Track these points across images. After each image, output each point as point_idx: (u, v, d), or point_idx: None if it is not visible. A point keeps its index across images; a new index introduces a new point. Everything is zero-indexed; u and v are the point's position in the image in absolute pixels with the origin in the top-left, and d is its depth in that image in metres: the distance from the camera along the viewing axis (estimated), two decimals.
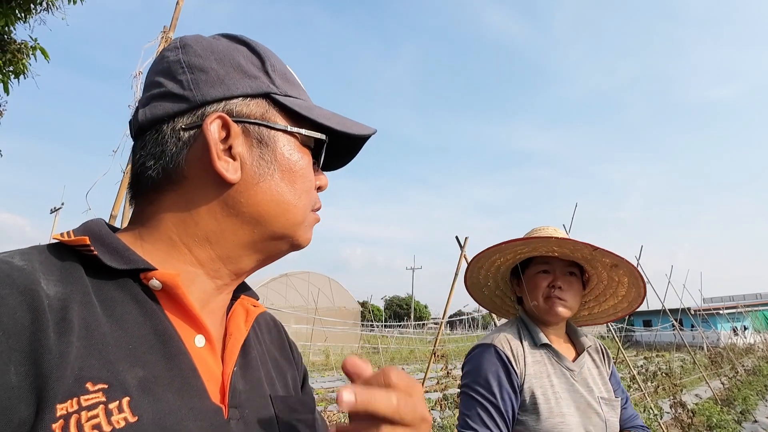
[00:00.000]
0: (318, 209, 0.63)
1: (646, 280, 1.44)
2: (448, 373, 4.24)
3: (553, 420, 1.22)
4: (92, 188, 1.83)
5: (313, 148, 0.61)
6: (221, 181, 0.54)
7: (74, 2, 5.85)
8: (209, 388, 0.50)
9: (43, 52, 5.82)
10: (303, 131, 0.59)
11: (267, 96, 0.58)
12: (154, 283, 0.50)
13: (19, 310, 0.40)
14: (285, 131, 0.57)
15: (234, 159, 0.55)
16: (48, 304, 0.42)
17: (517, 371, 1.27)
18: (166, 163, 0.54)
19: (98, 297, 0.47)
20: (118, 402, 0.41)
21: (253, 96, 0.57)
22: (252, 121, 0.56)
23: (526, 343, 1.33)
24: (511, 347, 1.30)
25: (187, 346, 0.50)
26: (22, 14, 5.56)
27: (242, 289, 0.65)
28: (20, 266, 0.44)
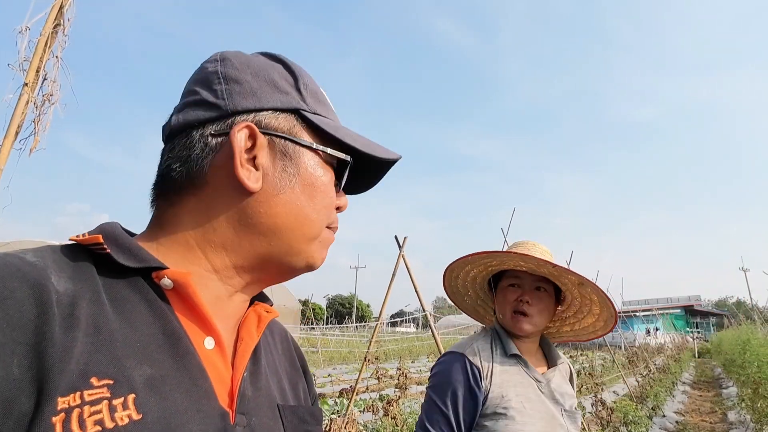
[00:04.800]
0: (335, 229, 0.63)
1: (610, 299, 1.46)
2: (379, 377, 4.16)
3: (515, 428, 1.24)
4: None
5: (337, 168, 0.62)
6: (242, 190, 0.55)
7: None
8: (218, 391, 0.50)
9: None
10: (328, 150, 0.59)
11: (296, 112, 0.59)
12: (165, 281, 0.51)
13: (27, 303, 0.41)
14: (310, 148, 0.58)
15: (257, 169, 0.55)
16: (56, 299, 0.42)
17: (482, 383, 1.29)
18: (191, 167, 0.55)
19: (108, 295, 0.47)
20: (123, 398, 0.41)
21: (283, 110, 0.58)
22: (279, 134, 0.57)
23: (497, 353, 1.36)
24: (481, 358, 1.33)
25: (196, 347, 0.50)
26: None
27: (257, 295, 0.64)
28: (32, 261, 0.45)
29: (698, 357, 26.61)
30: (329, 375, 13.38)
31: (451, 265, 1.49)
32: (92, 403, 0.39)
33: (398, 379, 4.41)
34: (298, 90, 0.60)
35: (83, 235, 0.51)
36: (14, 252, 0.46)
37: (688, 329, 43.69)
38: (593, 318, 1.52)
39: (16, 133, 1.55)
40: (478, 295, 1.60)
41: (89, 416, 0.39)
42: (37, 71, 1.59)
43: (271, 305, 0.67)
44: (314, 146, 0.59)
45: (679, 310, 46.62)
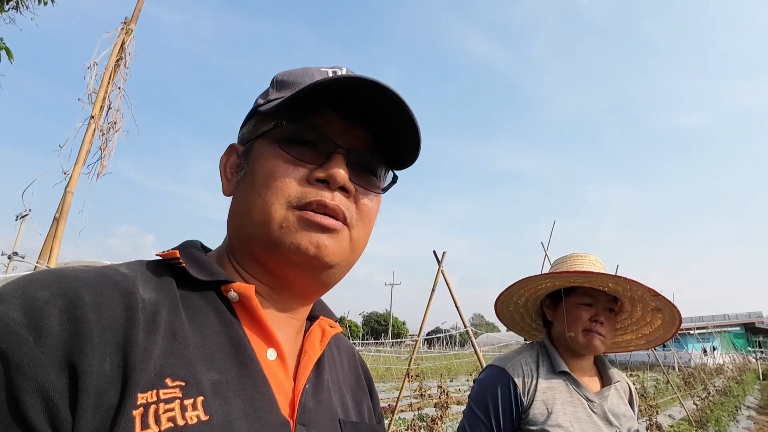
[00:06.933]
0: (306, 205, 0.55)
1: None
2: (422, 394, 4.09)
3: None
4: (31, 187, 1.66)
5: (298, 140, 0.58)
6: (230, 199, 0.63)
7: (45, 3, 5.62)
8: (279, 401, 0.51)
9: (8, 52, 5.52)
10: (261, 128, 0.59)
11: (255, 113, 0.63)
12: (232, 294, 0.55)
13: (118, 309, 0.46)
14: (257, 136, 0.60)
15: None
16: (142, 306, 0.47)
17: (524, 399, 1.28)
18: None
19: (184, 305, 0.52)
20: (193, 399, 0.45)
21: (248, 118, 0.64)
22: (245, 139, 0.63)
23: (543, 369, 1.34)
24: (523, 373, 1.32)
25: (259, 357, 0.53)
26: None
27: (322, 311, 0.68)
28: (124, 273, 0.50)
29: (763, 379, 24.56)
30: None
31: (531, 277, 1.42)
32: (166, 401, 0.43)
33: (439, 398, 4.31)
34: (266, 93, 0.64)
35: (166, 251, 0.57)
36: (110, 265, 0.52)
37: (749, 348, 40.51)
38: (633, 336, 1.53)
39: (84, 160, 1.68)
40: (525, 304, 1.57)
41: (164, 413, 0.42)
42: (103, 101, 1.73)
43: (336, 320, 0.69)
44: (259, 132, 0.59)
45: (738, 328, 43.38)
